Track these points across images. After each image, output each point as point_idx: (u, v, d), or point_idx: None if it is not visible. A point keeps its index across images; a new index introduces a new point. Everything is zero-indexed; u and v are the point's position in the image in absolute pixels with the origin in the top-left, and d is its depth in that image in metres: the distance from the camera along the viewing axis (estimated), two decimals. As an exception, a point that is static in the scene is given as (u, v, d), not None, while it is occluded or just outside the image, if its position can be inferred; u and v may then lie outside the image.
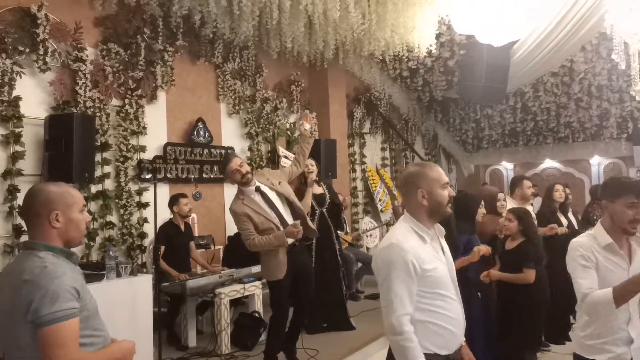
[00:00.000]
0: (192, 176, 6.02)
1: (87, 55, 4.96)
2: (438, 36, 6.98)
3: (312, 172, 4.86)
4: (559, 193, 4.75)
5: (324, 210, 5.08)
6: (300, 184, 4.91)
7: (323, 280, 4.96)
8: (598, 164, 12.13)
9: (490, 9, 5.36)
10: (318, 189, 5.08)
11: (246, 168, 3.89)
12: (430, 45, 6.52)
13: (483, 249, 3.38)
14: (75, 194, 1.77)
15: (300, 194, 4.84)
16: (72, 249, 1.77)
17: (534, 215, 4.23)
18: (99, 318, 1.75)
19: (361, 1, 5.70)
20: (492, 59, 7.37)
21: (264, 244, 3.76)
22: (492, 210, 3.98)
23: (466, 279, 3.40)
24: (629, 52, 3.42)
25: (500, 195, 4.05)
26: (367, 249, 7.96)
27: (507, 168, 13.25)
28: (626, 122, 10.24)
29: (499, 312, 3.63)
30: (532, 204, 5.01)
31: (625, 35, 3.25)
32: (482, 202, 3.71)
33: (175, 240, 4.85)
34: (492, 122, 11.30)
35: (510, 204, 4.62)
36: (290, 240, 3.82)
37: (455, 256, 3.11)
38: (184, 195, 5.11)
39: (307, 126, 4.22)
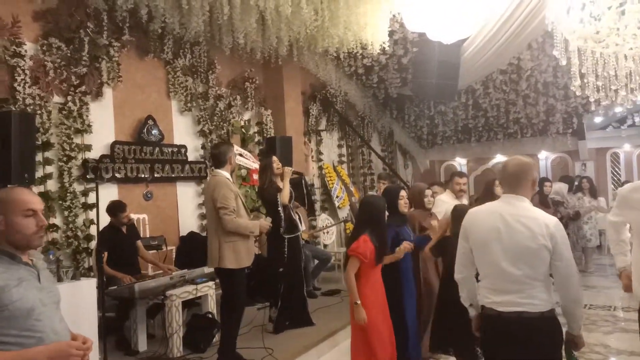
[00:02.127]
0: (146, 176, 5.84)
1: (25, 51, 4.72)
2: (391, 34, 7.04)
3: (279, 167, 5.02)
4: (499, 188, 4.82)
5: (290, 206, 5.06)
6: (270, 183, 4.97)
7: (291, 277, 4.98)
8: (546, 158, 12.60)
9: (440, 6, 5.43)
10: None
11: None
12: (384, 43, 6.57)
13: (407, 246, 3.55)
14: (20, 198, 1.83)
15: (274, 190, 4.92)
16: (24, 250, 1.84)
17: None
18: (39, 319, 1.73)
19: (313, -3, 5.66)
20: (443, 57, 7.50)
21: (240, 224, 3.89)
22: (419, 205, 4.23)
23: (398, 271, 3.64)
24: (569, 49, 3.53)
25: (427, 192, 4.24)
26: (325, 246, 7.96)
27: (460, 163, 13.58)
28: (571, 117, 10.70)
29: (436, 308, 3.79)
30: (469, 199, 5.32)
31: (566, 32, 3.35)
32: (402, 193, 3.84)
33: (118, 244, 4.68)
34: (446, 118, 11.56)
35: (447, 197, 4.96)
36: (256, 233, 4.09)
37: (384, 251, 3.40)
38: (122, 209, 4.84)
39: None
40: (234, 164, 4.18)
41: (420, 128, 12.10)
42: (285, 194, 4.92)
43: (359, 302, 3.23)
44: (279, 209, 4.92)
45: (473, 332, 2.54)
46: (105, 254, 4.30)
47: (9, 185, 3.91)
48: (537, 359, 2.26)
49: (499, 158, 12.91)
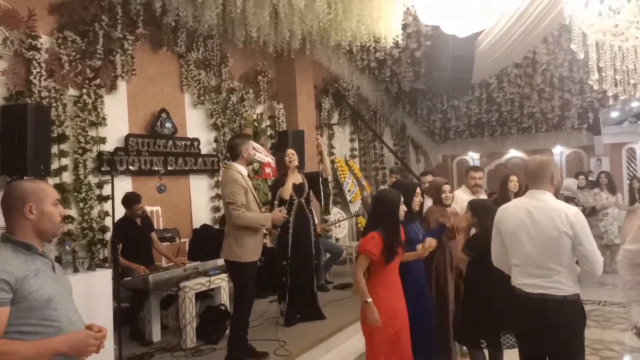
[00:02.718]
0: (159, 169, 5.87)
1: (41, 44, 4.77)
2: (404, 27, 6.99)
3: (292, 161, 4.93)
4: (514, 184, 4.76)
5: (302, 200, 5.04)
6: (282, 175, 4.97)
7: (298, 271, 4.96)
8: (560, 153, 12.47)
9: (454, -1, 5.38)
10: (297, 179, 5.02)
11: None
12: (397, 36, 6.52)
13: (433, 244, 3.35)
14: (48, 189, 1.90)
15: (280, 185, 4.91)
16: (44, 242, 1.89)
17: None
18: (55, 309, 1.76)
19: (326, -10, 5.64)
20: (457, 50, 7.44)
21: (250, 218, 3.82)
22: (437, 201, 4.03)
23: (408, 269, 3.40)
24: (587, 43, 3.47)
25: (446, 187, 4.01)
26: (336, 239, 7.97)
27: (473, 158, 13.48)
28: (587, 112, 10.54)
29: (457, 305, 3.70)
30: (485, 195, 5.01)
31: (584, 26, 3.30)
32: (418, 191, 3.71)
33: (132, 236, 4.73)
34: (459, 113, 11.46)
35: (462, 193, 4.74)
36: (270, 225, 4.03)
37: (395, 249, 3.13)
38: (137, 200, 4.88)
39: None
40: (250, 157, 4.09)
41: (433, 122, 12.01)
42: (286, 189, 4.84)
43: (369, 299, 2.99)
44: (275, 202, 4.91)
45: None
46: (120, 245, 4.33)
47: (25, 177, 3.97)
48: (557, 338, 2.48)
49: (513, 153, 12.80)
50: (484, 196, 4.77)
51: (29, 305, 1.71)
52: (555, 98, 10.17)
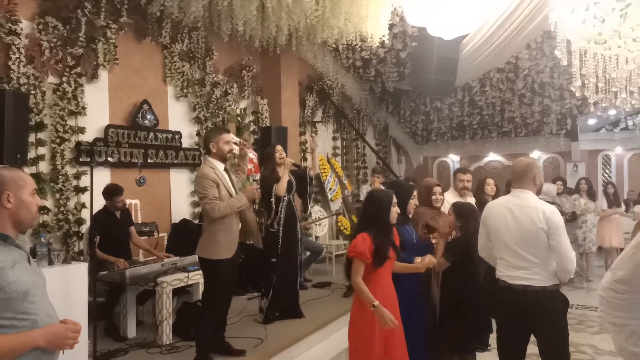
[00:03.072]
0: (137, 161, 5.78)
1: (21, 29, 4.64)
2: (390, 27, 7.00)
3: (282, 157, 4.92)
4: (490, 187, 4.69)
5: (291, 197, 5.01)
6: (271, 171, 4.93)
7: (285, 268, 4.94)
8: (538, 158, 12.66)
9: (442, 2, 5.40)
10: (286, 177, 4.96)
11: (232, 146, 3.98)
12: (383, 36, 6.53)
13: (431, 260, 3.15)
14: (26, 177, 1.85)
15: (271, 181, 4.86)
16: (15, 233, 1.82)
17: None
18: (32, 301, 1.72)
19: (315, -13, 5.61)
20: (442, 53, 7.48)
21: (227, 207, 3.72)
22: (427, 202, 3.86)
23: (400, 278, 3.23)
24: (571, 50, 3.52)
25: (437, 189, 3.88)
26: (316, 237, 7.95)
27: (453, 160, 13.62)
28: (565, 118, 10.73)
29: (441, 301, 3.52)
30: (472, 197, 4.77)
31: (568, 33, 3.34)
32: (415, 193, 3.61)
33: (111, 229, 4.63)
34: (441, 115, 11.56)
35: (450, 196, 4.57)
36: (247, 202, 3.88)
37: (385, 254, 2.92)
38: (118, 192, 4.78)
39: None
40: (221, 152, 3.87)
41: (415, 124, 12.09)
42: (281, 186, 4.84)
43: (376, 303, 2.76)
44: (272, 200, 4.89)
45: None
46: (98, 238, 4.24)
47: (0, 165, 3.86)
48: (541, 325, 2.71)
49: (492, 156, 12.97)
50: (471, 199, 4.59)
51: (6, 297, 1.66)
52: (536, 103, 10.34)
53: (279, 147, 5.01)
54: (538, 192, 2.90)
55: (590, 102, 3.60)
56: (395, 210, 3.02)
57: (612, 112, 10.26)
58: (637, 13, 3.17)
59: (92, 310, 3.64)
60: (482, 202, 4.51)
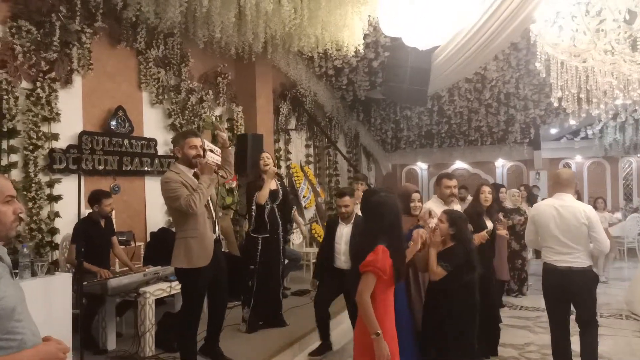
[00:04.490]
0: (113, 168, 5.64)
1: (-7, 32, 4.47)
2: (364, 37, 7.12)
3: (268, 164, 4.84)
4: (484, 195, 4.69)
5: (275, 206, 4.93)
6: (257, 178, 4.87)
7: (266, 276, 4.88)
8: (502, 166, 13.10)
9: (418, 13, 5.53)
10: (273, 185, 4.91)
11: (200, 151, 3.70)
12: (359, 45, 6.62)
13: (422, 233, 3.07)
14: (0, 183, 1.65)
15: (255, 188, 4.80)
16: None
17: None
18: (18, 320, 1.58)
19: (294, -5, 5.64)
20: (415, 62, 7.65)
21: (200, 195, 3.48)
22: (405, 210, 3.60)
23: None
24: (544, 61, 3.68)
25: (415, 195, 3.74)
26: (292, 245, 7.93)
27: (422, 168, 13.90)
28: (529, 128, 11.15)
29: (425, 320, 3.38)
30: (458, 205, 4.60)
31: (548, 45, 3.50)
32: (414, 195, 3.59)
33: (95, 238, 4.46)
34: (410, 123, 11.79)
35: (434, 204, 4.29)
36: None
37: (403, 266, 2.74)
38: (107, 195, 4.64)
39: (225, 135, 3.92)
40: (186, 157, 3.64)
41: (385, 132, 12.29)
42: (262, 194, 4.77)
43: (380, 332, 2.50)
44: (252, 207, 4.85)
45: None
46: (74, 247, 4.11)
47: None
48: (580, 296, 3.62)
49: (459, 164, 13.31)
50: (457, 206, 4.38)
51: None
52: (501, 113, 10.70)
53: (264, 154, 4.98)
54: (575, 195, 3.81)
55: (568, 113, 3.76)
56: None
57: (572, 121, 10.68)
58: (612, 28, 3.35)
59: (80, 322, 3.52)
60: (478, 211, 4.54)
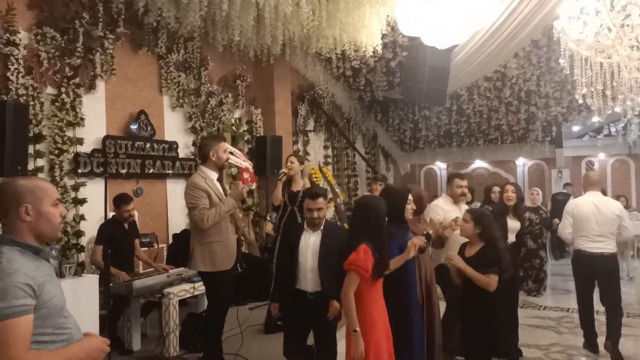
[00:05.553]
0: (136, 171, 5.74)
1: (20, 39, 4.58)
2: (382, 37, 7.10)
3: (291, 168, 4.84)
4: (508, 194, 4.68)
5: (296, 208, 4.84)
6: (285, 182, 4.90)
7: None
8: (523, 164, 12.93)
9: (438, 12, 5.50)
10: (297, 186, 4.88)
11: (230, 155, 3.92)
12: (377, 45, 6.61)
13: (418, 242, 3.09)
14: (47, 187, 1.75)
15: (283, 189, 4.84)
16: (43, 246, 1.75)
17: None
18: (66, 316, 1.71)
19: (313, -2, 5.66)
20: (434, 62, 7.60)
21: (215, 214, 3.57)
22: (418, 210, 3.64)
23: (402, 285, 3.14)
24: (570, 57, 3.63)
25: (410, 197, 3.53)
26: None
27: (440, 168, 13.79)
28: (550, 126, 10.97)
29: (465, 319, 3.40)
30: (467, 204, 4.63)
31: (572, 42, 3.45)
32: (410, 197, 3.40)
33: (118, 239, 4.54)
34: (429, 123, 11.70)
35: (443, 202, 4.34)
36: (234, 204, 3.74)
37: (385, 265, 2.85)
38: (127, 201, 4.71)
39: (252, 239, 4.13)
40: (220, 161, 3.78)
41: (404, 132, 12.22)
42: (276, 195, 4.86)
43: (358, 329, 2.66)
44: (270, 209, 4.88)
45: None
46: (101, 248, 4.18)
47: (2, 177, 3.78)
48: (608, 277, 4.31)
49: (479, 163, 13.18)
50: (465, 206, 4.40)
51: (48, 312, 1.62)
52: (522, 111, 10.55)
53: (290, 157, 4.98)
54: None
55: (593, 110, 3.70)
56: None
57: (595, 119, 10.52)
58: (638, 23, 3.29)
59: (107, 322, 3.58)
60: (503, 212, 4.59)
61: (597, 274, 4.35)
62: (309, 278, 3.25)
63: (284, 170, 4.96)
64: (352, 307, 2.67)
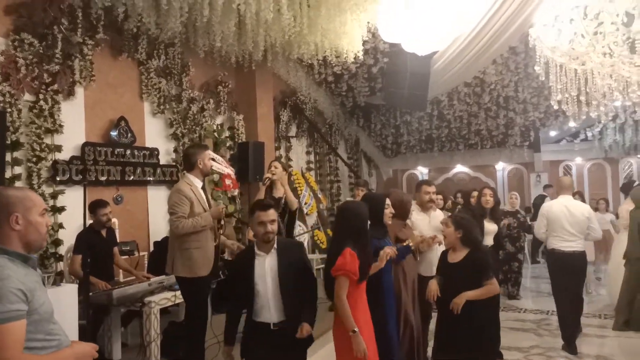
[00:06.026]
0: (116, 179, 5.67)
1: (-5, 45, 4.51)
2: (363, 43, 7.16)
3: (275, 173, 4.83)
4: (486, 198, 4.78)
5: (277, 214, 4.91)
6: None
7: None
8: (502, 169, 13.11)
9: (418, 19, 5.57)
10: (278, 192, 4.90)
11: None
12: (358, 52, 6.66)
13: (389, 252, 3.15)
14: (35, 197, 1.81)
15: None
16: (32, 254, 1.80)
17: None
18: (55, 322, 1.77)
19: (294, 4, 5.68)
20: (414, 68, 7.69)
21: (191, 225, 3.61)
22: (402, 215, 3.75)
23: (378, 287, 3.21)
24: (549, 65, 3.72)
25: (388, 201, 3.59)
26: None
27: (422, 172, 13.90)
28: (529, 131, 11.17)
29: (442, 318, 3.45)
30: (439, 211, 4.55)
31: (547, 48, 3.53)
32: (388, 201, 3.49)
33: (97, 248, 4.48)
34: (411, 128, 11.81)
35: (414, 211, 4.22)
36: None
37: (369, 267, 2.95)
38: (103, 205, 4.66)
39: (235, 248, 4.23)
40: (206, 169, 3.86)
41: (386, 137, 12.31)
42: (290, 200, 4.88)
43: (356, 329, 2.73)
44: None
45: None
46: (80, 257, 4.12)
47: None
48: (577, 274, 4.81)
49: (459, 168, 13.32)
50: (435, 213, 4.36)
51: (39, 318, 1.67)
52: (501, 116, 10.73)
53: (273, 163, 4.99)
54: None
55: (568, 115, 3.79)
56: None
57: (572, 124, 10.73)
58: (611, 31, 3.38)
59: (88, 332, 3.53)
60: (482, 214, 4.72)
61: (570, 269, 4.77)
62: (272, 307, 2.81)
63: (267, 175, 4.96)
64: (347, 310, 2.75)
